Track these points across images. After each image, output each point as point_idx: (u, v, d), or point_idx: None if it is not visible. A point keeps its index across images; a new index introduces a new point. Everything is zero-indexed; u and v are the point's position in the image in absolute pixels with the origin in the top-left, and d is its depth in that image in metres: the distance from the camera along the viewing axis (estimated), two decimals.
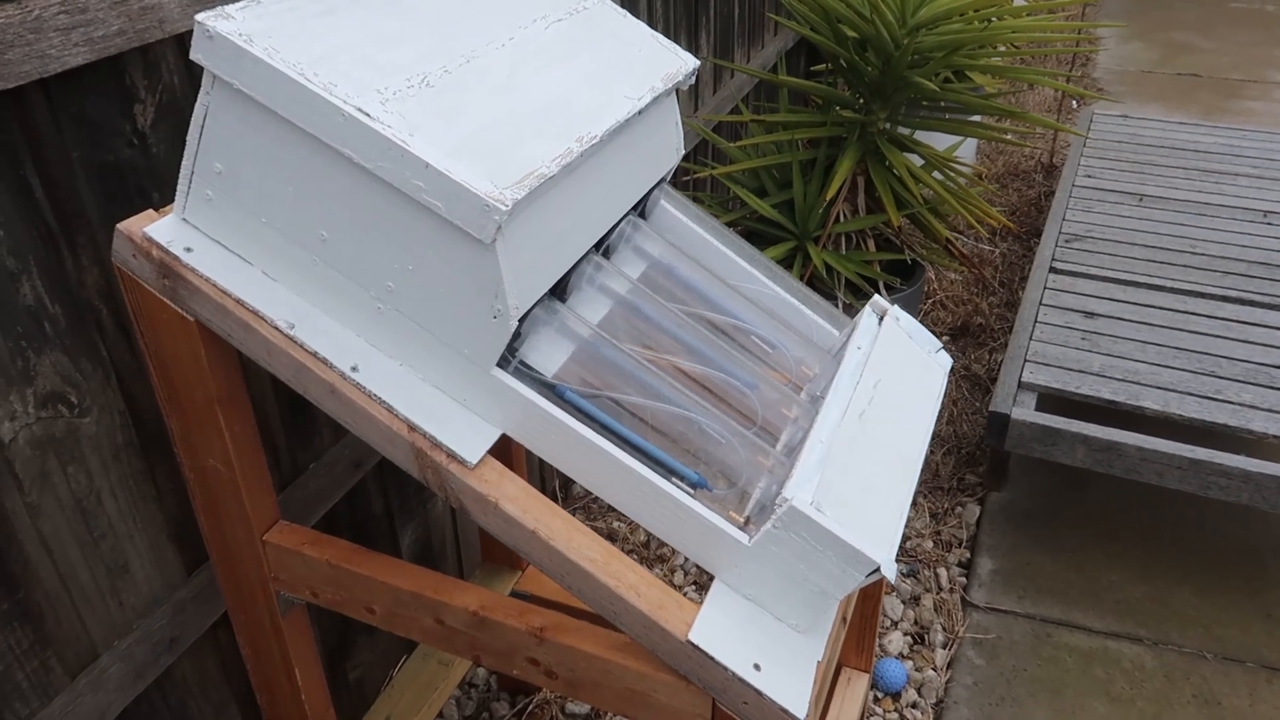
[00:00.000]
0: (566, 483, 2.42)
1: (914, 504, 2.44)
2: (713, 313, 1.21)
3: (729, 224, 2.62)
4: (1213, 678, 1.99)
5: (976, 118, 3.59)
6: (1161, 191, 3.28)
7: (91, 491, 1.13)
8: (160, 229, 0.98)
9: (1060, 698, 1.95)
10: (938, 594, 2.18)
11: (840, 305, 2.52)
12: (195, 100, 1.13)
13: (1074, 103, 4.95)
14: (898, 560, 2.25)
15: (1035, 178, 4.18)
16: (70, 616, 1.12)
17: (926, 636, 2.09)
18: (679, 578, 2.23)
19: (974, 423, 2.73)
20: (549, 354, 1.05)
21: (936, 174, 2.69)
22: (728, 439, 1.05)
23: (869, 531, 0.96)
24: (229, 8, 0.90)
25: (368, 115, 0.86)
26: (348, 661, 1.67)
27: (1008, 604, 2.16)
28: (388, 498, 1.68)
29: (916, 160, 3.36)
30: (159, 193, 1.15)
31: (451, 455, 0.97)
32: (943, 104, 2.59)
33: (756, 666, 0.94)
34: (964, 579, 2.23)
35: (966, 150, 4.01)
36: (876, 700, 1.96)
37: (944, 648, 2.06)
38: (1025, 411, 2.24)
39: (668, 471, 1.00)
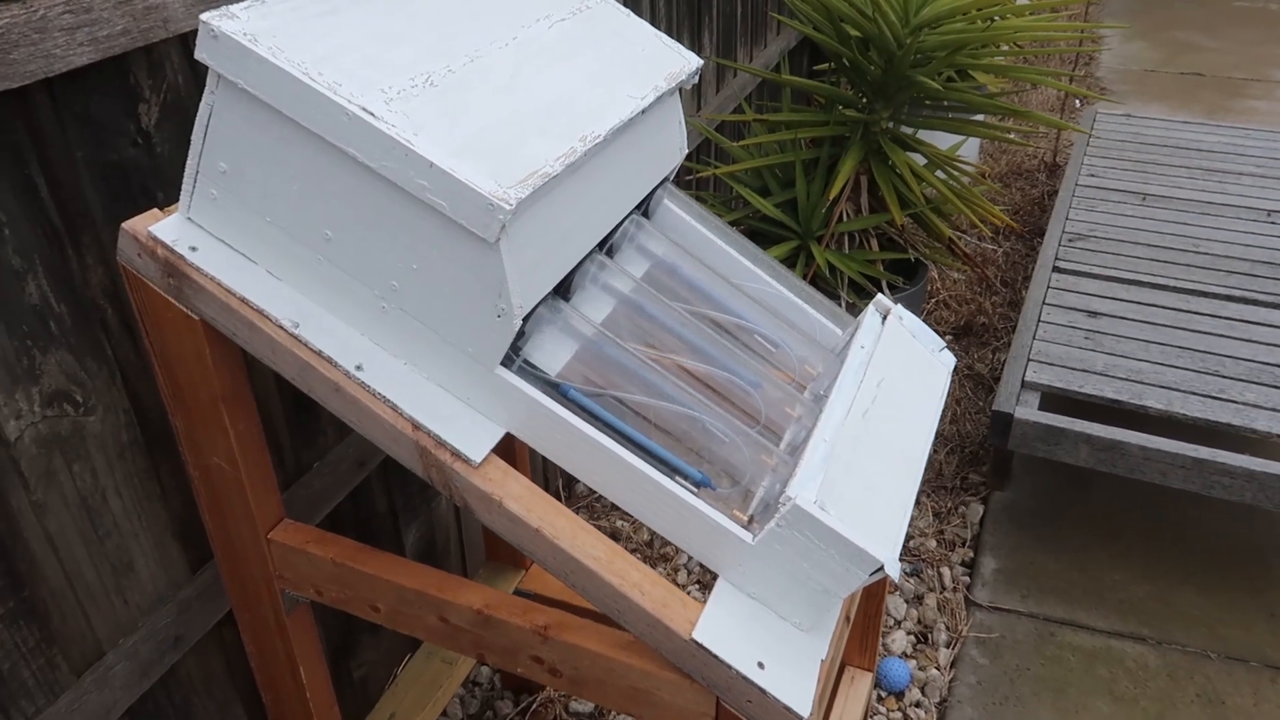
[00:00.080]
0: (570, 481, 2.42)
1: (917, 503, 2.44)
2: (716, 311, 1.21)
3: (732, 223, 2.62)
4: (1216, 677, 1.99)
5: (979, 117, 3.59)
6: (1165, 191, 3.28)
7: (97, 490, 1.13)
8: (165, 228, 0.98)
9: (1064, 697, 1.95)
10: (941, 593, 2.18)
11: (843, 304, 2.52)
12: (199, 100, 1.14)
13: (1077, 102, 4.94)
14: (901, 559, 2.25)
15: (1038, 177, 4.18)
16: (76, 614, 1.13)
17: (930, 636, 2.09)
18: (682, 577, 2.24)
19: (977, 422, 2.73)
20: (553, 353, 1.05)
21: (939, 173, 2.69)
22: (731, 438, 1.05)
23: (872, 530, 0.96)
24: (233, 7, 0.90)
25: (372, 115, 0.86)
26: (352, 660, 1.68)
27: (1011, 603, 2.16)
28: (392, 496, 1.69)
29: (919, 159, 3.36)
30: (163, 192, 1.16)
31: (456, 454, 0.97)
32: (946, 103, 2.59)
33: (760, 665, 0.94)
34: (967, 578, 2.23)
35: (969, 149, 4.01)
36: (880, 699, 1.96)
37: (947, 647, 2.06)
38: (1029, 411, 2.24)
39: (671, 470, 1.01)
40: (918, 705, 1.94)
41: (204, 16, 0.88)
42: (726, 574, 0.99)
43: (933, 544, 2.32)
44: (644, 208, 1.24)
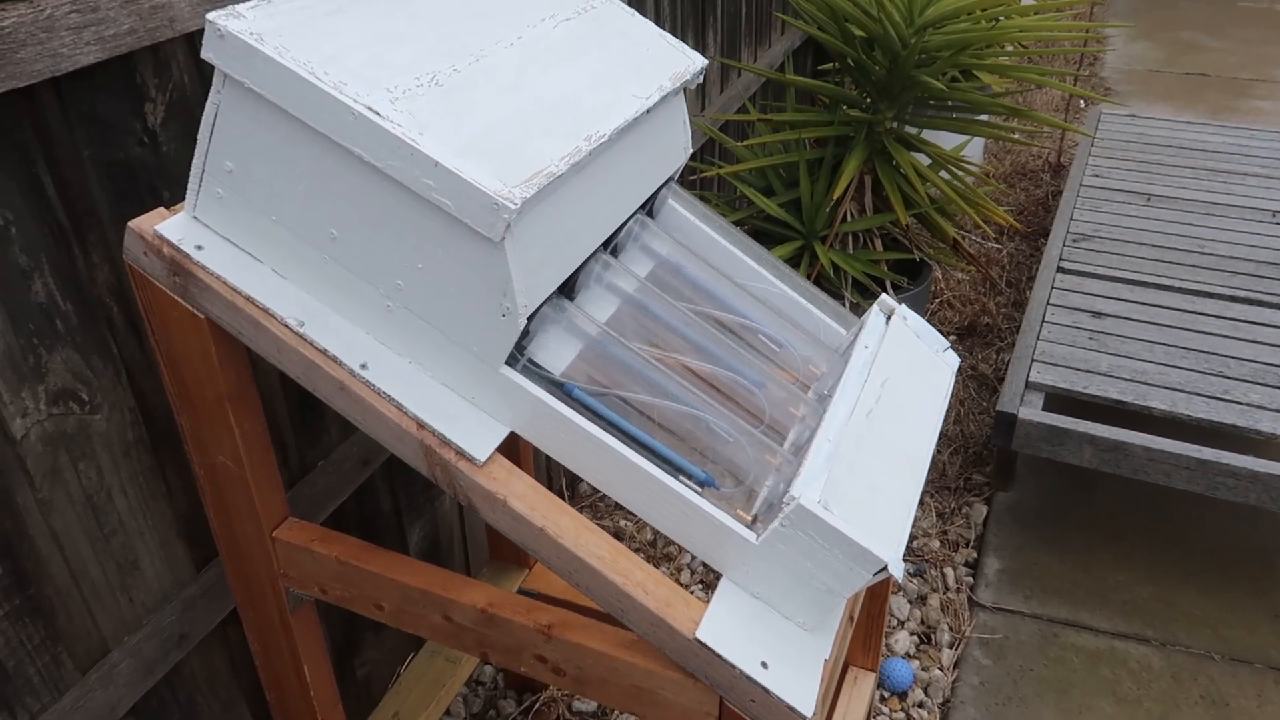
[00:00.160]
0: (573, 481, 2.42)
1: (921, 504, 2.44)
2: (720, 311, 1.21)
3: (736, 223, 2.62)
4: (1220, 679, 1.98)
5: (984, 117, 3.59)
6: (1169, 191, 3.28)
7: (102, 488, 1.13)
8: (171, 227, 0.98)
9: (1067, 698, 1.95)
10: (944, 594, 2.18)
11: (847, 304, 2.52)
12: (205, 99, 1.14)
13: (1081, 102, 4.94)
14: (905, 560, 2.25)
15: (1043, 177, 4.18)
16: (81, 612, 1.13)
17: (933, 636, 2.09)
18: (685, 576, 2.24)
19: (981, 422, 2.73)
20: (557, 352, 1.05)
21: (944, 173, 2.69)
22: (735, 437, 1.05)
23: (876, 530, 0.96)
24: (240, 7, 0.90)
25: (377, 114, 0.86)
26: (355, 659, 1.68)
27: (1014, 604, 2.16)
28: (396, 495, 1.69)
29: (924, 159, 3.36)
30: (169, 191, 1.16)
31: (460, 453, 0.97)
32: (950, 103, 2.59)
33: (764, 664, 0.94)
34: (971, 579, 2.23)
35: (974, 149, 4.00)
36: (883, 700, 1.96)
37: (950, 647, 2.06)
38: (1032, 411, 2.24)
39: (675, 470, 1.01)
40: (921, 706, 1.94)
41: (210, 16, 0.88)
42: (730, 573, 0.99)
43: (936, 544, 2.31)
44: (648, 207, 1.24)
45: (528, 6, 1.12)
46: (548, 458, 2.27)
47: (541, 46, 1.07)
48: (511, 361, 0.97)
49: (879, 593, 1.54)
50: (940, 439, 2.66)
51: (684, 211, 1.29)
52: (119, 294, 1.11)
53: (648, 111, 1.09)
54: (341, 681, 1.66)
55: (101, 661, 1.16)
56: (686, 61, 1.19)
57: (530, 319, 0.97)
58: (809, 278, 2.49)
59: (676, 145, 1.22)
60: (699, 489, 0.99)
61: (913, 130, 2.93)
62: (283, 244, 0.97)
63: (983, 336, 3.10)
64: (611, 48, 1.14)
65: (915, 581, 2.21)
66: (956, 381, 2.89)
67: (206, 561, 1.31)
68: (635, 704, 1.05)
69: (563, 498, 2.39)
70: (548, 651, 1.07)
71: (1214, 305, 2.63)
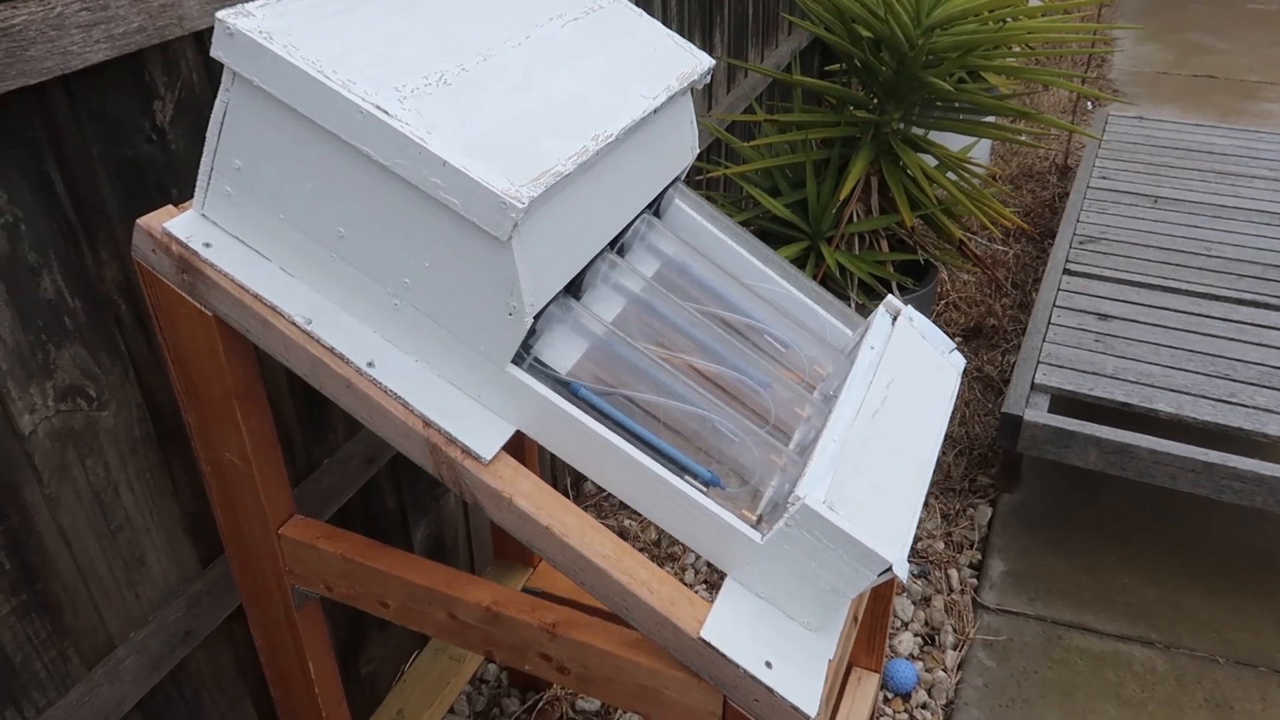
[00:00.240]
0: (578, 480, 2.43)
1: (925, 505, 2.44)
2: (726, 311, 1.21)
3: (742, 223, 2.62)
4: (1225, 682, 1.98)
5: (991, 118, 3.58)
6: (1176, 193, 3.27)
7: (109, 484, 1.14)
8: (179, 224, 0.98)
9: (1071, 700, 1.94)
10: (949, 595, 2.18)
11: (853, 305, 2.52)
12: (214, 97, 1.14)
13: (1089, 104, 4.93)
14: (909, 561, 2.25)
15: (1049, 179, 4.17)
16: (88, 608, 1.13)
17: (937, 638, 2.09)
18: (690, 576, 2.24)
19: (986, 424, 2.72)
20: (563, 351, 1.05)
21: (950, 174, 2.69)
22: (741, 437, 1.05)
23: (881, 531, 0.96)
24: (249, 5, 0.91)
25: (386, 113, 0.87)
26: (360, 656, 1.68)
27: (1019, 606, 2.16)
28: (401, 494, 1.69)
29: (930, 161, 3.35)
30: (177, 189, 1.16)
31: (466, 451, 0.97)
32: (957, 104, 2.59)
33: (768, 664, 0.94)
34: (975, 580, 2.23)
35: (980, 151, 4.00)
36: (886, 701, 1.96)
37: (954, 649, 2.06)
38: (1038, 413, 2.24)
39: (681, 469, 1.01)
40: (924, 707, 1.94)
41: (220, 14, 0.88)
42: (735, 573, 0.99)
43: (941, 546, 2.31)
44: (655, 207, 1.25)
45: (536, 6, 1.13)
46: (553, 457, 2.28)
47: (549, 46, 1.07)
48: (518, 360, 0.98)
49: (883, 593, 1.54)
50: (945, 441, 2.66)
51: (690, 211, 1.29)
52: (127, 291, 1.12)
53: (655, 111, 1.09)
54: (346, 679, 1.66)
55: (108, 657, 1.16)
56: (694, 61, 1.20)
57: (537, 318, 0.97)
58: (815, 278, 2.49)
59: (683, 145, 1.22)
60: (704, 489, 0.99)
61: (919, 131, 2.92)
62: (291, 242, 0.98)
63: (988, 338, 3.10)
64: (619, 47, 1.14)
65: (919, 583, 2.21)
66: (962, 383, 2.89)
67: (212, 558, 1.31)
68: (639, 703, 1.05)
69: (567, 497, 2.39)
70: (552, 650, 1.07)
71: (1220, 308, 2.62)
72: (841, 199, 2.43)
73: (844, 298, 2.54)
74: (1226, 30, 6.20)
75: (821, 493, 0.94)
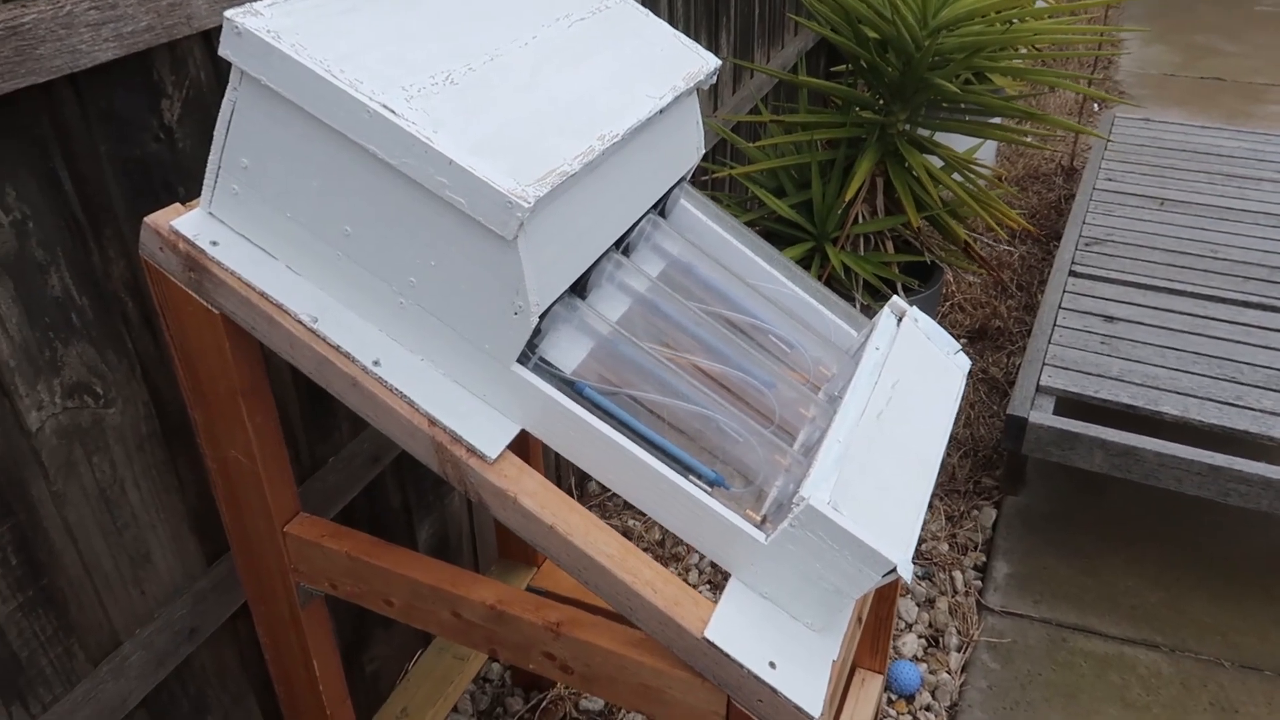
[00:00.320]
0: (582, 480, 2.43)
1: (930, 507, 2.43)
2: (731, 311, 1.21)
3: (748, 224, 2.62)
4: (1230, 685, 1.98)
5: (997, 120, 3.58)
6: (1183, 196, 3.26)
7: (115, 481, 1.14)
8: (187, 223, 0.99)
9: (1075, 703, 1.94)
10: (953, 597, 2.18)
11: (858, 306, 2.52)
12: (221, 96, 1.15)
13: (1095, 106, 4.92)
14: (913, 562, 2.25)
15: (1055, 181, 4.16)
16: (93, 604, 1.14)
17: (941, 639, 2.08)
18: (694, 577, 2.24)
19: (991, 426, 2.72)
20: (568, 350, 1.05)
21: (956, 176, 2.69)
22: (745, 437, 1.06)
23: (886, 532, 0.96)
24: (257, 4, 0.91)
25: (392, 112, 0.87)
26: (364, 655, 1.69)
27: (1023, 608, 2.16)
28: (405, 492, 1.69)
29: (936, 162, 3.35)
30: (185, 187, 1.17)
31: (471, 450, 0.97)
32: (963, 106, 2.58)
33: (772, 664, 0.94)
34: (979, 582, 2.23)
35: (986, 152, 3.99)
36: (890, 702, 1.96)
37: (958, 651, 2.05)
38: (1043, 415, 2.23)
39: (685, 469, 1.01)
40: (928, 709, 1.94)
41: (228, 13, 0.89)
42: (739, 573, 1.00)
43: (945, 548, 2.31)
44: (661, 207, 1.25)
45: (542, 6, 1.13)
46: (557, 456, 2.28)
47: (556, 46, 1.07)
48: (523, 359, 0.98)
49: (887, 595, 1.53)
50: (950, 442, 2.66)
51: (696, 212, 1.29)
52: (134, 289, 1.12)
53: (661, 111, 1.10)
54: (350, 677, 1.67)
55: (113, 654, 1.17)
56: (700, 62, 1.20)
57: (542, 317, 0.97)
58: (820, 279, 2.49)
59: (689, 145, 1.22)
60: (709, 489, 0.99)
61: (925, 132, 2.92)
62: (297, 240, 0.98)
63: (994, 340, 3.10)
64: (625, 48, 1.14)
65: (924, 584, 2.21)
66: (967, 385, 2.89)
67: (218, 556, 1.31)
68: (643, 702, 1.05)
69: (572, 496, 2.40)
70: (556, 649, 1.08)
71: (1227, 310, 2.62)
72: (847, 200, 2.43)
73: (849, 299, 2.53)
74: (1234, 32, 6.18)
75: (826, 493, 0.94)
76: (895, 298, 1.24)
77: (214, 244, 0.98)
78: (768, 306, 1.23)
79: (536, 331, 0.99)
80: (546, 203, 0.91)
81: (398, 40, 0.95)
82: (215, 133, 0.96)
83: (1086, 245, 2.95)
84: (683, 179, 1.25)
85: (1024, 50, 2.63)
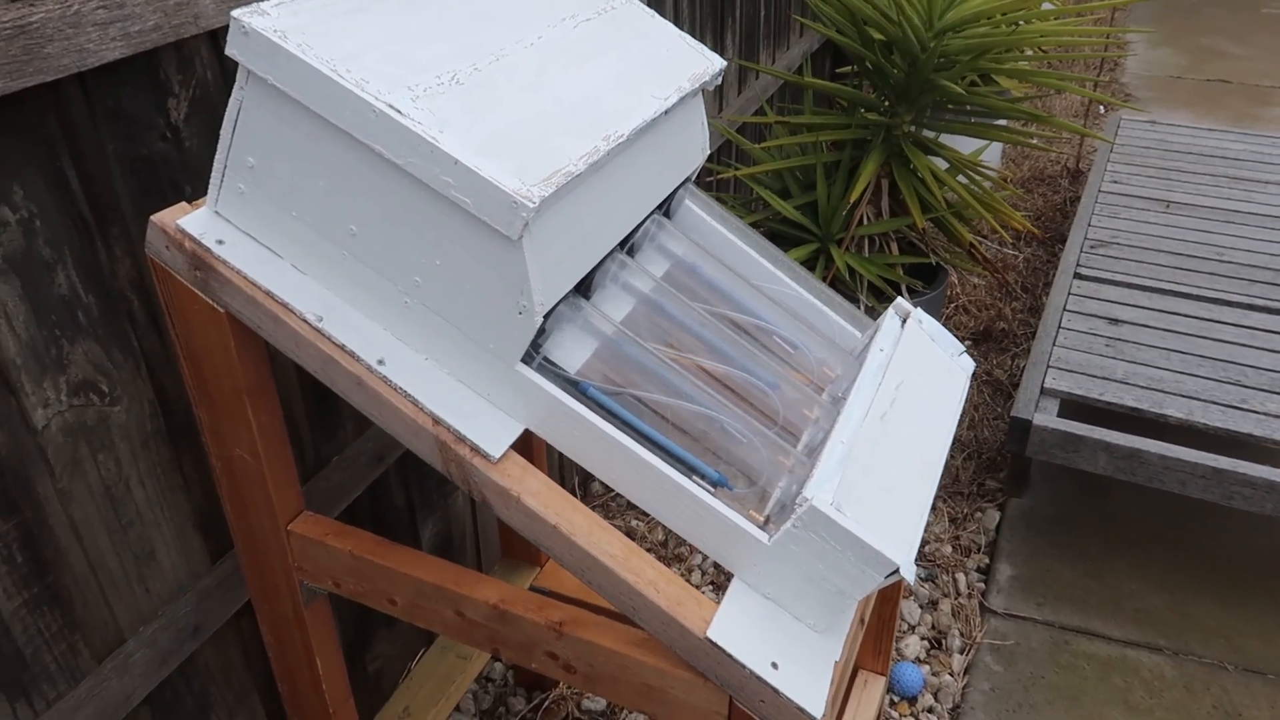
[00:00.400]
0: (585, 480, 2.43)
1: (933, 509, 2.43)
2: (735, 312, 1.21)
3: (752, 225, 2.62)
4: (1234, 689, 1.97)
5: (1002, 122, 3.58)
6: (1189, 198, 3.26)
7: (121, 479, 1.14)
8: (193, 221, 0.99)
9: (1078, 705, 1.94)
10: (956, 599, 2.18)
11: (862, 308, 2.52)
12: (228, 95, 1.15)
13: (1101, 108, 4.91)
14: (916, 564, 2.25)
15: (1061, 183, 4.16)
16: (98, 602, 1.14)
17: (944, 641, 2.08)
18: (696, 577, 2.24)
19: (995, 428, 2.72)
20: (573, 350, 1.05)
21: (961, 177, 2.68)
22: (749, 438, 1.06)
23: (889, 533, 0.96)
24: (264, 4, 0.91)
25: (398, 111, 0.87)
26: (367, 653, 1.69)
27: (1026, 610, 2.16)
28: (409, 491, 1.70)
29: (941, 163, 3.35)
30: (191, 186, 1.17)
31: (475, 449, 0.98)
32: (968, 107, 2.58)
33: (774, 665, 0.94)
34: (983, 585, 2.23)
35: (992, 154, 3.99)
36: (893, 704, 1.96)
37: (961, 653, 2.05)
38: (1047, 417, 2.23)
39: (689, 469, 1.01)
40: (930, 711, 1.94)
41: (235, 13, 0.89)
42: (742, 574, 1.00)
43: (948, 550, 2.31)
44: (665, 208, 1.25)
45: (548, 7, 1.13)
46: (560, 456, 2.28)
47: (561, 46, 1.07)
48: (527, 359, 0.98)
49: (890, 596, 1.53)
50: (954, 444, 2.65)
51: (700, 212, 1.29)
52: (140, 287, 1.13)
53: (666, 112, 1.10)
54: (353, 676, 1.67)
55: (117, 651, 1.17)
56: (705, 63, 1.20)
57: (546, 317, 0.98)
58: (824, 280, 2.49)
59: (694, 146, 1.22)
60: (712, 489, 0.99)
61: (930, 134, 2.92)
62: (303, 240, 0.98)
63: (998, 342, 3.09)
64: (631, 48, 1.14)
65: (926, 587, 2.21)
66: (971, 387, 2.89)
67: (222, 554, 1.32)
68: (645, 702, 1.05)
69: (575, 496, 2.40)
70: (559, 648, 1.08)
71: (1232, 313, 2.61)
72: (852, 201, 2.42)
73: (853, 300, 2.53)
74: (1241, 35, 6.17)
75: (829, 494, 0.94)
76: (899, 299, 1.24)
77: (220, 243, 0.98)
78: (772, 307, 1.23)
79: (541, 331, 0.99)
80: (551, 203, 0.91)
81: (404, 40, 0.95)
82: (222, 132, 0.96)
83: (1092, 248, 2.95)
84: (688, 180, 1.25)
85: (1030, 52, 2.63)
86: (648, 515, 2.40)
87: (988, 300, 3.28)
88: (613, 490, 2.44)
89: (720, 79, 1.21)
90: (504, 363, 0.97)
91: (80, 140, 1.03)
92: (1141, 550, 2.31)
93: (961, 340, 3.10)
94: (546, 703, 1.91)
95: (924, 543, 2.33)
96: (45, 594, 1.08)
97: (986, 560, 2.29)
